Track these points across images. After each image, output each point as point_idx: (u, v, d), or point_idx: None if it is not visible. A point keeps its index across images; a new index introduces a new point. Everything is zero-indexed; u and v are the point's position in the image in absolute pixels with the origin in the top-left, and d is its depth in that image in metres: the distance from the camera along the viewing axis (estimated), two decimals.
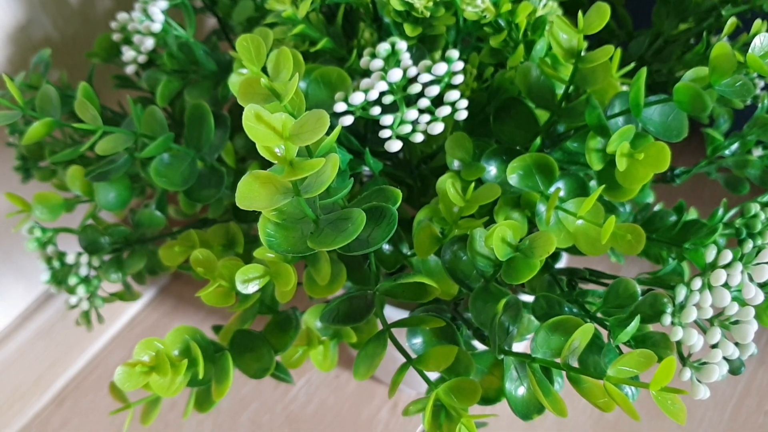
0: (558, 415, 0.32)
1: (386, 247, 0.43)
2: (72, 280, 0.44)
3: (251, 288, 0.37)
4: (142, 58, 0.45)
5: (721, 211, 0.40)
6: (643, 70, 0.36)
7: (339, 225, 0.31)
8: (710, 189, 0.82)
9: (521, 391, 0.35)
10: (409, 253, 0.43)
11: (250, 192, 0.29)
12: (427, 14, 0.40)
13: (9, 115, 0.39)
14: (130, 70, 0.46)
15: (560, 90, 0.41)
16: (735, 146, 0.49)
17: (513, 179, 0.39)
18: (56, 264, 0.45)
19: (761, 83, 0.52)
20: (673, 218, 0.43)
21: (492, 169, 0.41)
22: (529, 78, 0.41)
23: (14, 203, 0.43)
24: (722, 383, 0.69)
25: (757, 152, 0.48)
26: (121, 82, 0.54)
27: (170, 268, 0.46)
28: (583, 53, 0.38)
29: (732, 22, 0.45)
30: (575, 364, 0.31)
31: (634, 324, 0.32)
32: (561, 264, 0.48)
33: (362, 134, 0.45)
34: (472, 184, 0.38)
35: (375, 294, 0.37)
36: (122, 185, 0.43)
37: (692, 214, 0.46)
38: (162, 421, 0.71)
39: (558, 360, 0.32)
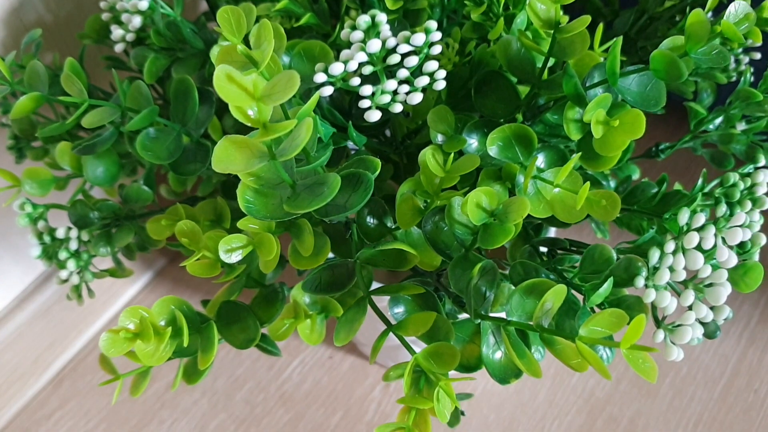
0: (532, 376, 0.32)
1: (370, 220, 0.43)
2: (62, 255, 0.45)
3: (234, 258, 0.38)
4: (130, 37, 0.46)
5: (700, 182, 0.40)
6: (619, 39, 0.36)
7: (315, 189, 0.31)
8: (697, 165, 0.83)
9: (498, 355, 0.36)
10: (393, 226, 0.44)
11: (226, 155, 0.30)
12: None
13: None
14: (118, 48, 0.47)
15: (540, 63, 0.42)
16: (719, 120, 0.50)
17: (493, 150, 0.39)
18: (47, 239, 0.45)
19: (746, 59, 0.52)
20: (655, 190, 0.44)
21: (473, 142, 0.42)
22: (509, 51, 0.41)
23: (5, 178, 0.44)
24: (712, 362, 0.70)
25: (741, 126, 0.49)
26: (112, 63, 0.54)
27: (159, 242, 0.47)
28: (561, 24, 0.38)
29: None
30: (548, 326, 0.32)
31: (607, 286, 0.33)
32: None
33: (347, 110, 0.46)
34: (452, 155, 0.39)
35: (356, 262, 0.38)
36: (110, 160, 0.44)
37: (676, 188, 0.46)
38: (158, 401, 0.71)
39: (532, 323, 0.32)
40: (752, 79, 0.49)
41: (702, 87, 0.50)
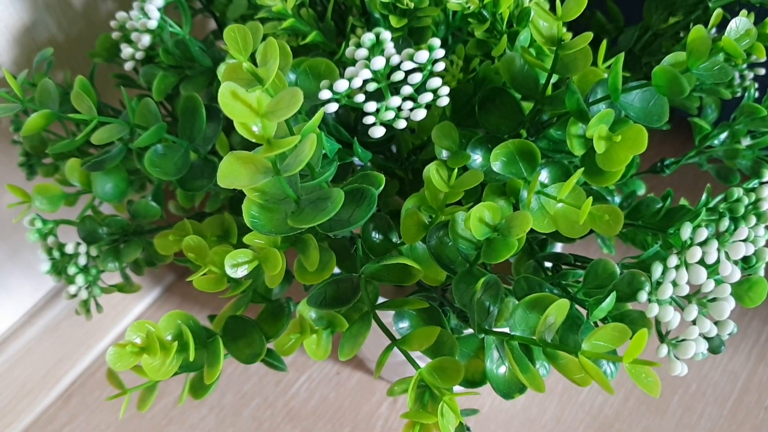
0: (536, 391, 0.32)
1: (376, 236, 0.43)
2: (71, 270, 0.45)
3: (240, 272, 0.38)
4: (139, 55, 0.47)
5: (704, 197, 0.40)
6: (621, 55, 0.37)
7: (319, 204, 0.32)
8: (703, 181, 0.83)
9: (502, 370, 0.36)
10: (398, 242, 0.44)
11: (231, 171, 0.30)
12: (412, 5, 0.41)
13: (8, 108, 0.40)
14: (128, 66, 0.48)
15: (544, 79, 0.42)
16: (724, 136, 0.50)
17: (497, 166, 0.40)
18: (56, 254, 0.46)
19: (751, 74, 0.52)
20: (660, 205, 0.44)
21: (477, 158, 0.42)
22: (512, 68, 0.42)
23: (15, 194, 0.45)
24: (721, 379, 0.69)
25: (746, 141, 0.49)
26: (123, 81, 0.55)
27: (166, 258, 0.47)
28: (564, 41, 0.38)
29: (718, 13, 0.45)
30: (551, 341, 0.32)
31: (610, 300, 0.33)
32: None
33: (353, 126, 0.46)
34: (456, 170, 0.39)
35: (360, 277, 0.38)
36: (119, 176, 0.44)
37: (681, 204, 0.46)
38: (165, 417, 0.72)
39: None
40: (756, 94, 0.50)
41: (706, 102, 0.50)
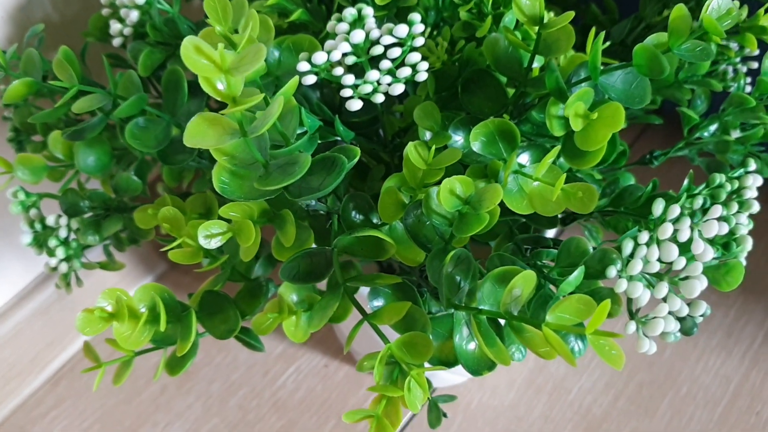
0: (501, 364, 0.32)
1: (356, 215, 0.43)
2: (51, 242, 0.45)
3: (213, 244, 0.38)
4: (127, 31, 0.47)
5: (686, 182, 0.40)
6: (601, 34, 0.36)
7: (287, 169, 0.32)
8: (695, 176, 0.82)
9: (472, 346, 0.35)
10: (379, 222, 0.44)
11: (199, 131, 0.30)
12: None
13: None
14: (116, 42, 0.48)
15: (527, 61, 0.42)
16: (714, 128, 0.49)
17: (476, 146, 0.39)
18: (38, 227, 0.46)
19: (744, 68, 0.52)
20: (641, 193, 0.44)
21: (459, 139, 0.42)
22: (496, 49, 0.42)
23: None
24: (713, 383, 0.69)
25: (736, 134, 0.48)
26: (115, 61, 0.55)
27: (148, 234, 0.47)
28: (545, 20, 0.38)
29: (709, 3, 0.45)
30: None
31: (577, 273, 0.32)
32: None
33: (338, 107, 0.46)
34: (434, 148, 0.39)
35: (333, 250, 0.38)
36: (102, 150, 0.44)
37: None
38: (153, 404, 0.71)
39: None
40: (748, 88, 0.49)
41: (696, 93, 0.49)
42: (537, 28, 0.38)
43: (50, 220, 0.45)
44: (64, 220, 0.45)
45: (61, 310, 0.72)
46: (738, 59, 0.51)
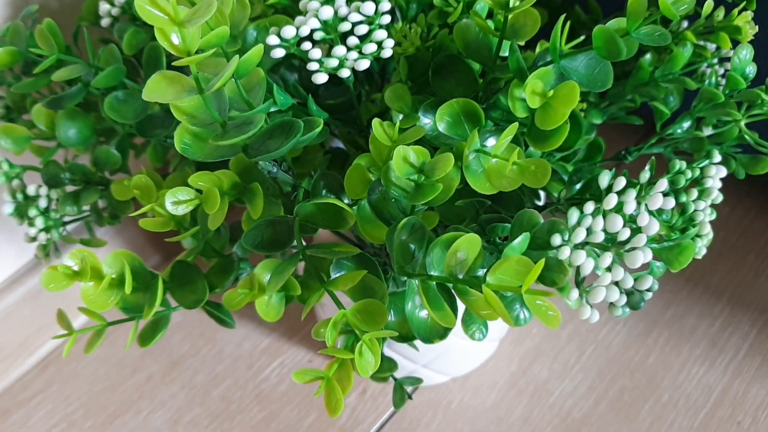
0: (446, 325, 0.32)
1: (327, 195, 0.44)
2: (32, 212, 0.46)
3: (181, 210, 0.39)
4: (115, 11, 0.49)
5: (647, 167, 0.40)
6: (561, 17, 0.37)
7: (243, 128, 0.33)
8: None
9: (423, 314, 0.36)
10: (349, 202, 0.45)
11: (158, 87, 0.31)
12: None
13: None
14: (104, 23, 0.50)
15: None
16: (687, 125, 0.50)
17: (441, 126, 0.40)
18: (20, 197, 0.47)
19: (721, 70, 0.53)
20: None
21: (428, 122, 0.43)
22: (467, 35, 0.43)
23: None
24: (695, 391, 0.68)
25: (708, 131, 0.49)
26: (104, 43, 0.57)
27: (126, 208, 0.49)
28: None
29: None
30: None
31: (522, 239, 0.33)
32: None
33: (314, 90, 0.47)
34: (398, 124, 0.40)
35: (295, 219, 0.39)
36: (83, 123, 0.46)
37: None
38: (137, 392, 0.72)
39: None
40: (722, 84, 0.50)
41: (669, 90, 0.50)
42: (503, 12, 0.39)
43: (31, 190, 0.46)
44: (44, 191, 0.47)
45: (52, 295, 0.73)
46: (715, 60, 0.52)
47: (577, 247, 0.33)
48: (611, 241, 0.33)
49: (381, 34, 0.39)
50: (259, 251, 0.39)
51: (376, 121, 0.40)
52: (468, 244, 0.31)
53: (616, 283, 0.33)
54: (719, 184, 0.43)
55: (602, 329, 0.73)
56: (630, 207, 0.33)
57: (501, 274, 0.30)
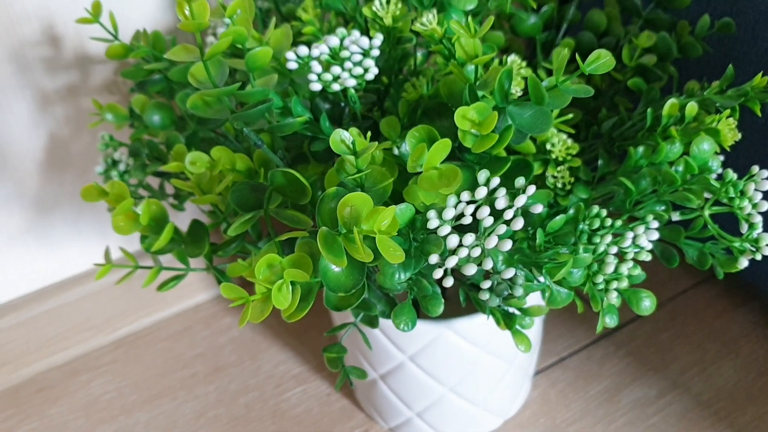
0: (337, 266, 0.40)
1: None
2: (113, 174, 0.61)
3: (194, 169, 0.51)
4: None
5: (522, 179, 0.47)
6: (510, 65, 0.46)
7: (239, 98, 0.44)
8: None
9: (336, 269, 0.44)
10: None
11: (178, 52, 0.44)
12: (389, 23, 0.54)
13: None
14: None
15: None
16: (660, 209, 0.55)
17: (404, 146, 0.49)
18: (109, 161, 0.62)
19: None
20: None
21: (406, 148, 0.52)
22: (452, 87, 0.52)
23: (95, 107, 0.62)
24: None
25: (675, 216, 0.54)
26: None
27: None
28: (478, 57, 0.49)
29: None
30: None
31: (403, 207, 0.41)
32: None
33: (338, 120, 0.59)
34: (370, 134, 0.49)
35: (269, 186, 0.49)
36: (166, 113, 0.60)
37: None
38: (179, 383, 0.83)
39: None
40: None
41: (643, 174, 0.55)
42: (473, 63, 0.49)
43: (116, 155, 0.61)
44: (124, 157, 0.61)
45: (139, 287, 0.88)
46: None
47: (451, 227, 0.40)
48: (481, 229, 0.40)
49: (368, 62, 0.50)
50: (240, 209, 0.49)
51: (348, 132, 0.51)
52: (358, 201, 0.40)
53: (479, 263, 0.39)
54: (649, 246, 0.48)
55: None
56: (501, 203, 0.40)
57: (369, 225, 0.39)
